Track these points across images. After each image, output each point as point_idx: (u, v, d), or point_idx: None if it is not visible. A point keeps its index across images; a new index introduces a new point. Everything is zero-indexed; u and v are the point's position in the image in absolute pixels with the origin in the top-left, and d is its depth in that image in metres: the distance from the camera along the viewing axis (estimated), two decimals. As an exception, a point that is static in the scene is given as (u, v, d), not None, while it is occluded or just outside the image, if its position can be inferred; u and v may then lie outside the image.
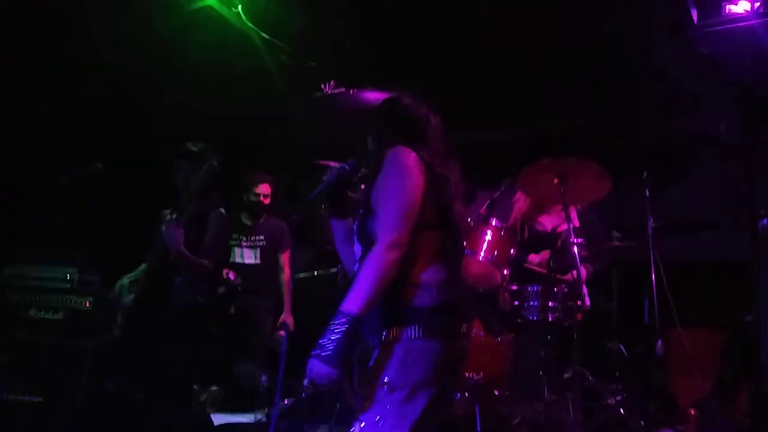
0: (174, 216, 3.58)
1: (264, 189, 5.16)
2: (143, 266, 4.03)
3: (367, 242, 2.07)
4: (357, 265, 2.14)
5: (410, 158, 2.11)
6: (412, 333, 2.01)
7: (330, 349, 1.93)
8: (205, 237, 3.78)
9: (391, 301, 2.03)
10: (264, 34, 5.05)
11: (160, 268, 3.82)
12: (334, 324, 1.95)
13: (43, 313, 4.26)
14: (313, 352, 1.95)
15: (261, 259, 5.18)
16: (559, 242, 3.96)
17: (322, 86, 5.58)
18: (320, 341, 1.95)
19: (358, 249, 2.18)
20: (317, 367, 1.93)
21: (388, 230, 2.02)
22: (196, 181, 3.69)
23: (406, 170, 2.08)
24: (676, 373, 4.57)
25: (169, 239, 3.52)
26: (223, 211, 3.88)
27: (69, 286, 4.34)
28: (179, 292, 3.83)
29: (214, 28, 4.98)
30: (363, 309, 1.96)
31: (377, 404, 1.97)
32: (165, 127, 4.91)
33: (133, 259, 4.31)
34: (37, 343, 4.15)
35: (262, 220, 5.23)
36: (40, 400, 4.07)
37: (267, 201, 5.18)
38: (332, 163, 2.27)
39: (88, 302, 4.36)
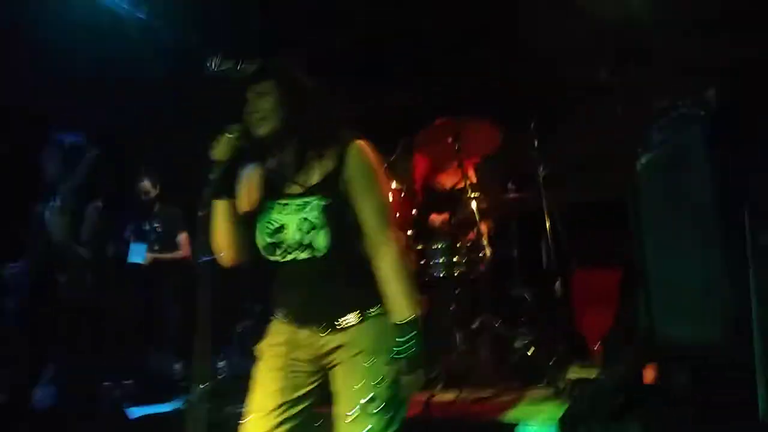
0: (58, 204, 3.46)
1: (143, 187, 5.28)
2: (20, 263, 3.87)
3: (341, 230, 2.09)
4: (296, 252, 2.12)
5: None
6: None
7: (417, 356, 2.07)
8: (82, 230, 3.70)
9: (372, 281, 2.12)
10: (139, 14, 4.85)
11: (41, 264, 3.70)
12: (408, 335, 2.05)
13: None
14: (405, 370, 2.06)
15: (159, 246, 5.21)
16: (458, 197, 4.07)
17: (209, 64, 5.42)
18: (402, 355, 2.06)
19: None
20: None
21: (388, 228, 2.12)
22: (76, 172, 3.60)
23: (381, 169, 2.17)
24: (581, 311, 4.79)
25: (53, 227, 3.42)
26: (100, 204, 3.79)
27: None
28: (66, 291, 3.72)
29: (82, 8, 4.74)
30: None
31: (385, 376, 2.07)
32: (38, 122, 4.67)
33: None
34: None
35: (155, 210, 5.29)
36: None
37: (149, 196, 5.29)
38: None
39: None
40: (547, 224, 3.93)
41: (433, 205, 4.42)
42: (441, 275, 3.98)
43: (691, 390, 2.31)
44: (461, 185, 4.29)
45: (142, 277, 5.02)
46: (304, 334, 2.17)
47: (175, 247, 5.27)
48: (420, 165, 4.59)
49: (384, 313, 2.12)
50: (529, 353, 3.82)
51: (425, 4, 4.90)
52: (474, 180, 4.35)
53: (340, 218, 2.09)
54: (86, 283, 3.78)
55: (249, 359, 3.83)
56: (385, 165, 4.27)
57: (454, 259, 3.95)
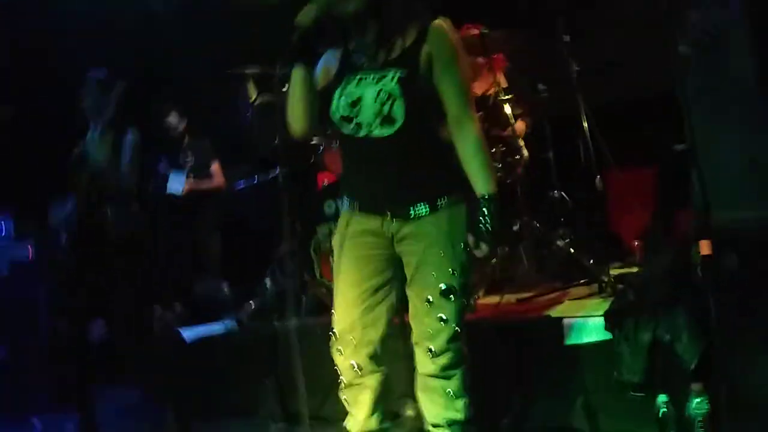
0: (98, 133, 3.50)
1: (170, 122, 5.22)
2: (71, 203, 3.95)
3: (418, 103, 2.09)
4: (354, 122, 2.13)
5: None
6: (460, 197, 2.17)
7: (494, 227, 2.11)
8: (121, 163, 3.74)
9: (448, 168, 2.16)
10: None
11: (89, 200, 3.77)
12: (491, 207, 2.11)
13: (-17, 268, 4.16)
14: (485, 239, 2.10)
15: (193, 177, 5.24)
16: (491, 102, 4.01)
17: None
18: (486, 227, 2.10)
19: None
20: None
21: (472, 106, 2.17)
22: (107, 106, 3.63)
23: (462, 49, 2.19)
24: (616, 212, 4.76)
25: (96, 157, 3.46)
26: (133, 134, 3.82)
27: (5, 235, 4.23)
28: (114, 222, 3.80)
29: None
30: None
31: (459, 265, 2.13)
32: (69, 57, 4.67)
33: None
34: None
35: (184, 143, 5.27)
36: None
37: (177, 130, 5.24)
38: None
39: (29, 246, 4.27)
40: (583, 124, 3.86)
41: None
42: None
43: (741, 272, 2.31)
44: (493, 90, 4.22)
45: (182, 206, 5.08)
46: (374, 222, 2.20)
47: (208, 177, 5.31)
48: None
49: (456, 202, 2.15)
50: (569, 253, 3.82)
51: None
52: (505, 83, 4.28)
53: (418, 91, 2.09)
54: (133, 212, 3.85)
55: (292, 278, 3.93)
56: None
57: (490, 165, 3.92)
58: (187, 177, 5.18)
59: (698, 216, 1.84)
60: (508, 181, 3.95)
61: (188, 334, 4.02)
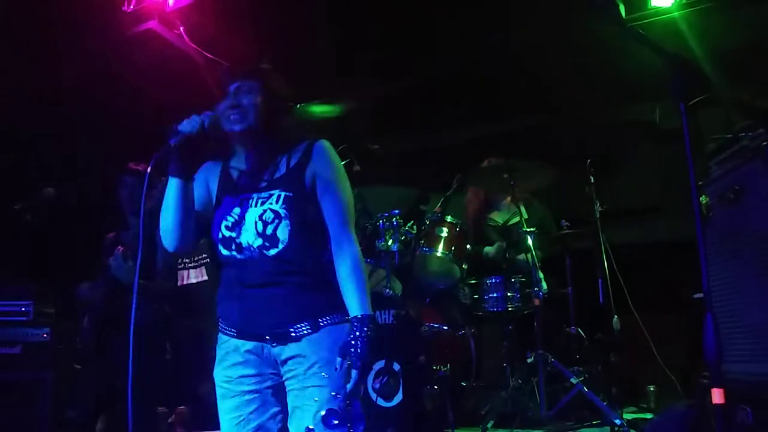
0: (121, 250, 3.56)
1: None
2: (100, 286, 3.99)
3: (302, 225, 2.06)
4: (247, 246, 2.06)
5: None
6: (344, 317, 2.08)
7: (364, 353, 1.97)
8: (157, 255, 3.79)
9: (331, 288, 2.07)
10: (207, 54, 5.06)
11: (113, 292, 3.80)
12: (363, 331, 1.98)
13: (-1, 347, 4.17)
14: (355, 365, 1.96)
15: (208, 275, 5.20)
16: (513, 233, 4.09)
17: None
18: (356, 352, 1.96)
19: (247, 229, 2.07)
20: (357, 378, 1.97)
21: (352, 226, 2.13)
22: (147, 198, 3.72)
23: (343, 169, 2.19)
24: (633, 356, 4.71)
25: (118, 273, 3.53)
26: None
27: (25, 318, 4.27)
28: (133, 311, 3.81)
29: (155, 51, 4.98)
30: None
31: (334, 385, 1.99)
32: (112, 148, 4.87)
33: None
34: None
35: (202, 240, 5.26)
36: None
37: None
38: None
39: (45, 334, 4.29)
40: (604, 262, 3.91)
41: (487, 240, 4.46)
42: (495, 310, 3.98)
43: (756, 427, 2.27)
44: (514, 221, 4.33)
45: (194, 301, 5.07)
46: (254, 348, 2.08)
47: None
48: (474, 201, 4.65)
49: (340, 321, 2.06)
50: (583, 391, 3.76)
51: (483, 50, 4.99)
52: (526, 215, 4.37)
53: (303, 212, 2.07)
54: (160, 306, 3.84)
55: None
56: (441, 200, 4.36)
57: (509, 294, 3.95)
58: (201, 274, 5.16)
59: (711, 365, 1.83)
60: (525, 312, 3.97)
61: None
